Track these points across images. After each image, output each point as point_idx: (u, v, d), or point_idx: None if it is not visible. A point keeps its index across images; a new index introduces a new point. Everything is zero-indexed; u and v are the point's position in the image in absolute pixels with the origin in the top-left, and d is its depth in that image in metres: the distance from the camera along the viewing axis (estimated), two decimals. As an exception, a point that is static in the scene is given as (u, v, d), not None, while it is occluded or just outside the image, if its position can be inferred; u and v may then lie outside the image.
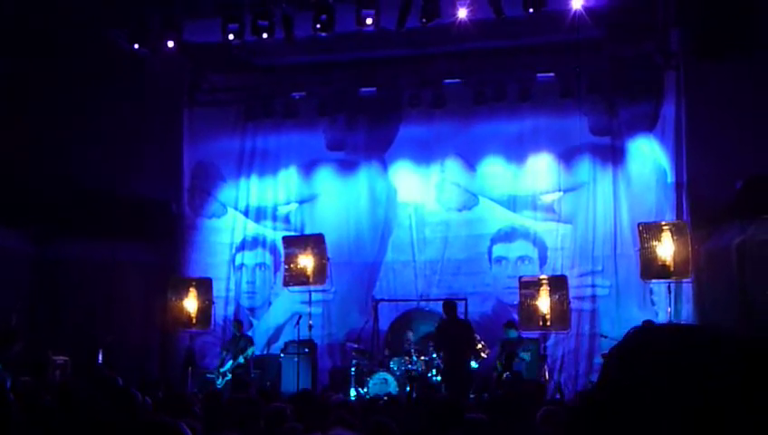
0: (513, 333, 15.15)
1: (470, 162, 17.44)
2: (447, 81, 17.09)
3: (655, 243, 14.67)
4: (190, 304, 16.25)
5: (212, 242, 17.97)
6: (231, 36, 15.08)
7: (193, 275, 17.01)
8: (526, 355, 14.71)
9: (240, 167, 18.18)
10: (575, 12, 13.88)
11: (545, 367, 15.19)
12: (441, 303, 16.39)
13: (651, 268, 14.73)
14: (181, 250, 17.58)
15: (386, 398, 13.13)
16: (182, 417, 6.35)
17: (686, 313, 15.23)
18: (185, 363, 15.72)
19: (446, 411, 4.66)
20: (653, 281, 15.13)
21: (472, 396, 13.48)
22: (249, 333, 16.47)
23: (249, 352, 15.47)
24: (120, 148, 16.45)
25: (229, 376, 15.20)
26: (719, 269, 14.63)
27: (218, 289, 17.01)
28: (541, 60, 16.64)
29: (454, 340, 13.77)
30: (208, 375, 15.88)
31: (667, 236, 14.63)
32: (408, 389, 14.61)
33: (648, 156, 16.33)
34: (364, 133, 17.90)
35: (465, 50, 16.44)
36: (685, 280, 14.83)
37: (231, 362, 15.40)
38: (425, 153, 17.61)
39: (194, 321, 16.23)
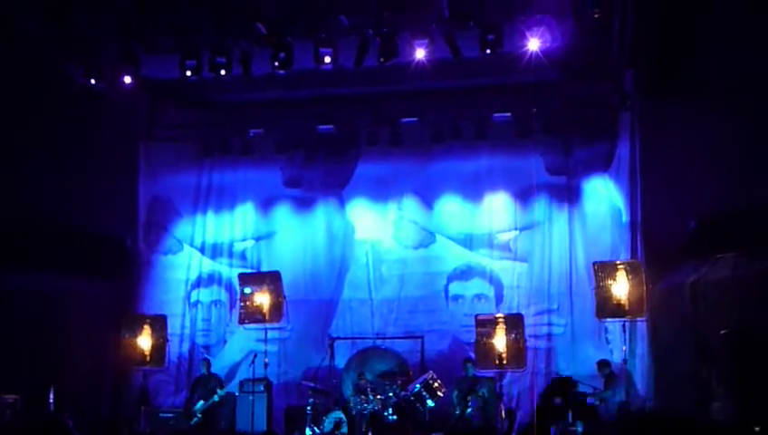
0: (470, 371, 15.16)
1: (427, 200, 17.48)
2: (405, 119, 17.14)
3: (610, 282, 14.78)
4: (144, 341, 16.05)
5: (167, 278, 17.79)
6: (188, 72, 14.98)
7: (147, 312, 16.82)
8: (485, 391, 14.70)
9: (197, 203, 18.06)
10: (531, 53, 14.02)
11: (501, 405, 15.17)
12: (397, 341, 16.47)
13: (606, 307, 14.82)
14: (136, 286, 17.40)
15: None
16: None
17: (641, 351, 15.34)
18: (138, 402, 15.50)
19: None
20: (608, 320, 15.21)
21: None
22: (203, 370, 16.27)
23: (222, 392, 15.32)
24: (76, 181, 16.29)
25: (199, 416, 15.04)
26: (673, 308, 14.77)
27: (173, 326, 16.83)
28: (497, 100, 16.76)
29: None
30: (162, 415, 15.66)
31: (621, 276, 14.75)
32: (364, 429, 14.52)
33: (604, 195, 16.49)
34: (322, 170, 17.87)
35: (422, 89, 16.50)
36: (639, 319, 14.95)
37: (202, 402, 15.22)
38: (382, 191, 17.63)
39: (148, 358, 16.03)
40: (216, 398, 15.23)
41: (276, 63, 14.59)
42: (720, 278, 13.99)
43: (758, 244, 13.54)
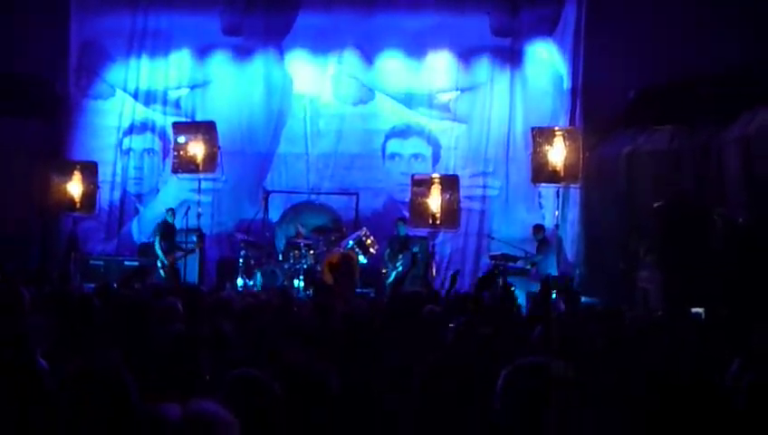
0: (402, 230, 15.24)
1: (368, 55, 17.15)
2: (350, -31, 16.65)
3: (547, 147, 14.83)
4: (74, 187, 15.74)
5: (99, 124, 17.33)
6: None
7: (78, 158, 16.44)
8: (416, 248, 14.84)
9: (130, 47, 17.42)
10: None
11: (433, 264, 15.38)
12: (332, 197, 16.43)
13: (542, 172, 14.92)
14: (66, 131, 16.94)
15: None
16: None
17: (573, 217, 15.57)
18: (67, 248, 15.31)
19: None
20: (543, 185, 15.34)
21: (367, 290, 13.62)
22: (135, 220, 16.09)
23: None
24: (5, 23, 15.55)
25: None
26: (608, 177, 14.94)
27: (104, 174, 16.51)
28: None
29: None
30: (92, 262, 15.55)
31: (559, 142, 14.79)
32: (297, 283, 14.62)
33: (547, 60, 16.38)
34: (261, 19, 17.29)
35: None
36: (573, 185, 15.10)
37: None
38: (323, 43, 17.21)
39: (78, 205, 15.76)
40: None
41: None
42: (655, 150, 14.12)
43: (696, 117, 13.65)
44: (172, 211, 15.37)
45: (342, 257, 14.58)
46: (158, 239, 15.04)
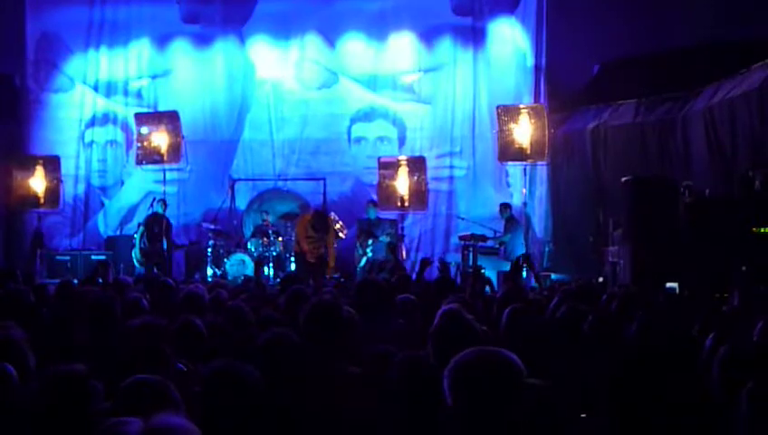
0: (372, 214, 15.18)
1: (330, 39, 17.03)
2: (308, -47, 16.50)
3: (512, 126, 14.80)
4: (37, 182, 15.56)
5: (59, 118, 17.11)
6: None
7: (40, 153, 16.22)
8: (385, 238, 14.77)
9: (88, 38, 17.19)
10: None
11: (403, 246, 15.35)
12: (299, 182, 16.33)
13: (508, 151, 14.90)
14: (26, 126, 16.72)
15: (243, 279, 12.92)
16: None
17: (541, 194, 15.59)
18: (33, 245, 15.13)
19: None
20: (509, 163, 15.33)
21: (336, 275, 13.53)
22: (101, 214, 15.87)
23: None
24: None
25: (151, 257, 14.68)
26: (574, 152, 14.97)
27: (67, 167, 16.32)
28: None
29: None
30: (58, 257, 15.37)
31: (524, 119, 14.77)
32: (267, 270, 14.53)
33: (509, 38, 16.32)
34: (221, 6, 17.14)
35: None
36: (540, 162, 15.10)
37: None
38: (283, 28, 17.06)
39: (42, 200, 15.58)
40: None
41: None
42: (621, 124, 14.17)
43: (659, 90, 13.69)
44: (163, 202, 15.12)
45: (315, 214, 14.51)
46: (144, 231, 14.81)
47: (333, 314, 4.60)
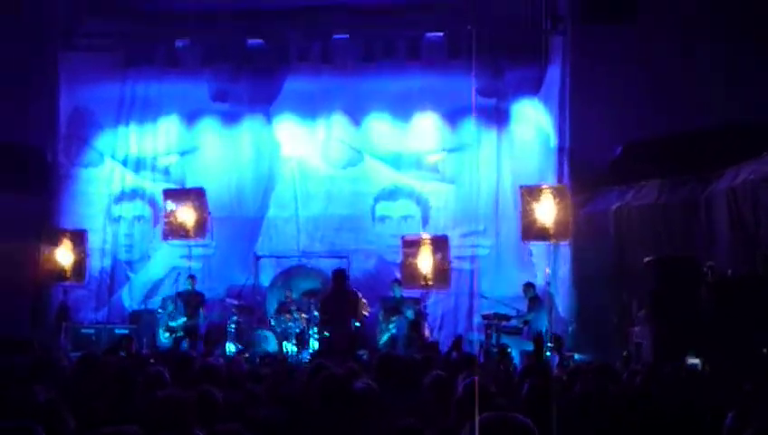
0: (398, 292, 15.22)
1: (356, 119, 17.31)
2: (336, 35, 16.83)
3: (536, 205, 14.82)
4: (64, 256, 15.67)
5: (88, 192, 17.38)
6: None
7: (67, 227, 16.41)
8: (410, 313, 14.79)
9: (119, 115, 17.57)
10: (466, -27, 13.82)
11: (426, 325, 15.32)
12: (323, 260, 16.41)
13: (531, 230, 14.90)
14: (55, 200, 16.95)
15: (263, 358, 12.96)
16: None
17: (564, 274, 15.56)
18: (58, 318, 15.21)
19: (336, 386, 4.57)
20: (533, 242, 15.35)
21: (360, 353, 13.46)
22: (126, 288, 16.00)
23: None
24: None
25: (180, 332, 14.74)
26: (597, 233, 14.97)
27: (94, 241, 16.50)
28: (430, 19, 16.56)
29: (341, 309, 13.58)
30: (83, 330, 15.45)
31: (547, 199, 14.80)
32: (289, 347, 14.54)
33: (532, 119, 16.52)
34: (249, 85, 17.48)
35: (355, 5, 16.27)
36: (563, 242, 15.10)
37: (184, 319, 14.85)
38: (310, 108, 17.37)
39: (68, 274, 15.66)
40: (201, 318, 14.96)
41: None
42: (644, 204, 14.19)
43: (682, 171, 13.74)
44: (192, 277, 15.26)
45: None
46: (177, 306, 14.90)
47: (344, 387, 4.62)
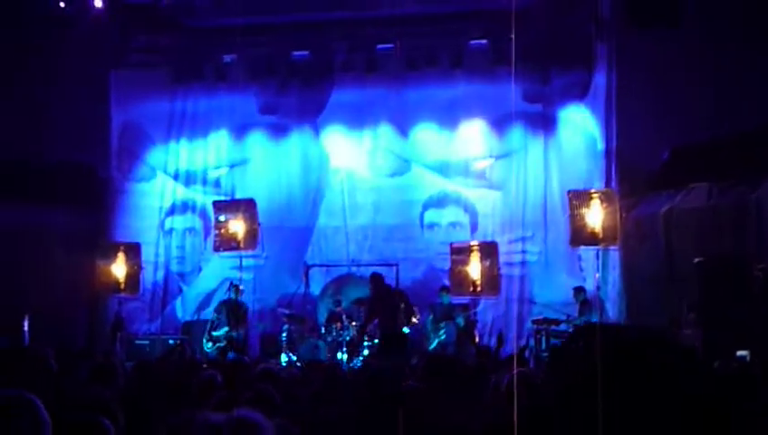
0: (446, 299, 15.28)
1: (402, 128, 17.42)
2: (380, 46, 16.98)
3: (584, 210, 14.82)
4: (118, 269, 15.97)
5: (141, 206, 17.68)
6: (161, -4, 14.74)
7: (121, 240, 16.72)
8: (460, 320, 14.85)
9: (169, 129, 17.88)
10: (509, -21, 13.86)
11: (475, 332, 15.37)
12: (372, 268, 16.48)
13: (580, 235, 14.90)
14: (109, 214, 17.26)
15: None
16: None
17: (613, 278, 15.49)
18: (113, 329, 15.50)
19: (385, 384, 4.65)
20: (582, 248, 15.32)
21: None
22: (179, 299, 16.23)
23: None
24: (46, 110, 16.05)
25: (223, 342, 14.89)
26: (646, 236, 14.88)
27: (147, 254, 16.74)
28: (474, 26, 16.64)
29: (386, 312, 13.76)
30: (137, 341, 15.72)
31: (596, 204, 14.79)
32: (340, 355, 14.65)
33: (579, 124, 16.48)
34: (296, 97, 17.70)
35: (398, 15, 16.35)
36: (612, 247, 15.04)
37: (227, 328, 14.99)
38: (357, 118, 17.53)
39: (122, 286, 15.96)
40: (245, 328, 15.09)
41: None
42: (693, 207, 14.09)
43: (731, 173, 13.63)
44: (236, 287, 15.37)
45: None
46: (221, 316, 14.98)
47: (393, 385, 4.70)
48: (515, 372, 4.93)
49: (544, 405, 3.32)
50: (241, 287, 15.29)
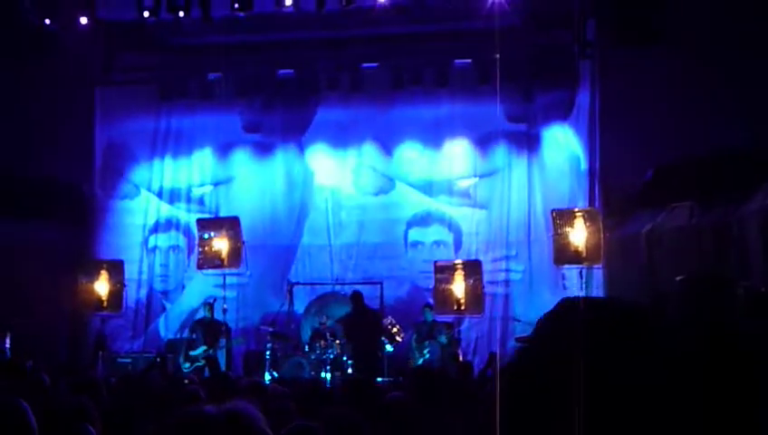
0: (429, 316, 15.29)
1: (387, 147, 17.46)
2: (365, 64, 17.05)
3: (568, 229, 14.88)
4: (101, 286, 15.91)
5: (124, 224, 17.64)
6: (146, 14, 14.77)
7: (104, 258, 16.67)
8: (443, 338, 14.85)
9: (154, 147, 17.86)
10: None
11: (459, 350, 15.36)
12: (356, 287, 16.51)
13: (564, 254, 14.95)
14: (92, 232, 17.21)
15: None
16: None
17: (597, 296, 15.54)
18: (95, 347, 15.42)
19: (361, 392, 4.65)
20: (565, 266, 15.35)
21: (387, 379, 13.55)
22: (162, 317, 16.18)
23: (225, 341, 15.19)
24: (30, 127, 16.02)
25: (201, 362, 14.85)
26: (629, 256, 14.93)
27: (130, 272, 16.70)
28: (458, 46, 16.71)
29: (363, 331, 13.83)
30: (120, 359, 15.64)
31: (579, 223, 14.86)
32: (324, 373, 14.61)
33: (563, 144, 16.56)
34: (281, 116, 17.73)
35: (383, 34, 16.44)
36: (596, 266, 15.10)
37: (204, 347, 14.97)
38: (342, 137, 17.56)
39: (105, 304, 15.90)
40: (222, 346, 15.07)
41: (236, 5, 14.40)
42: (676, 227, 14.14)
43: (714, 192, 13.69)
44: (210, 305, 15.39)
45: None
46: (199, 335, 15.00)
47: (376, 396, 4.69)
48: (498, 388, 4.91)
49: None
50: (224, 306, 15.31)
